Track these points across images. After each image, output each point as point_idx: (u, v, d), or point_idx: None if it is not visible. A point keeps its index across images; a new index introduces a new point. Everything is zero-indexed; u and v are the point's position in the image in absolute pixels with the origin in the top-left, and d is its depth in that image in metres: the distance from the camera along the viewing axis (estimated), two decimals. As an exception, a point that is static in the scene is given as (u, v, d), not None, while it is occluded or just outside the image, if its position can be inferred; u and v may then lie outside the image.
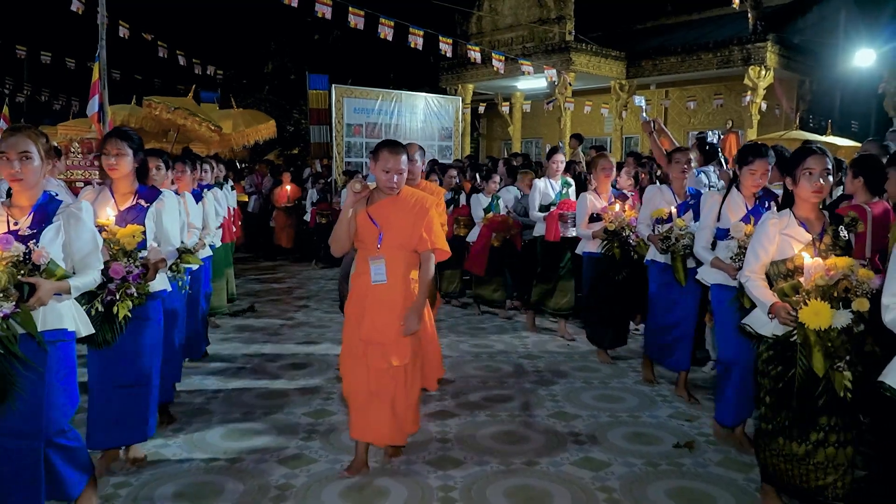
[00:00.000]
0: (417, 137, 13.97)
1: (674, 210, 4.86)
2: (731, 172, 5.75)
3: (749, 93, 15.66)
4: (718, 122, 17.47)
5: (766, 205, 4.01)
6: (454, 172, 8.76)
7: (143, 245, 3.52)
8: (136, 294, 3.37)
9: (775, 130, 15.51)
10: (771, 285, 3.19)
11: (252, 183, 13.36)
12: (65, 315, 2.88)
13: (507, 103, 19.72)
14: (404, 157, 3.47)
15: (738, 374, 3.94)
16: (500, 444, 4.14)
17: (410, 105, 14.48)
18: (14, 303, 2.59)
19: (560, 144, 11.16)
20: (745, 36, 15.77)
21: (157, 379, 3.75)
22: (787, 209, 3.28)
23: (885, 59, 14.88)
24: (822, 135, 13.17)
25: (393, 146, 3.49)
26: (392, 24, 12.98)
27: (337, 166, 13.48)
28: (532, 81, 17.69)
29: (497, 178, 7.93)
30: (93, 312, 3.26)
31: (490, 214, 7.47)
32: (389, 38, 12.96)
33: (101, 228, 3.36)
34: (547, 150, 9.08)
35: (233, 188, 8.67)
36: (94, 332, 3.07)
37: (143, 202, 3.65)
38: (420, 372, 3.74)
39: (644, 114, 6.25)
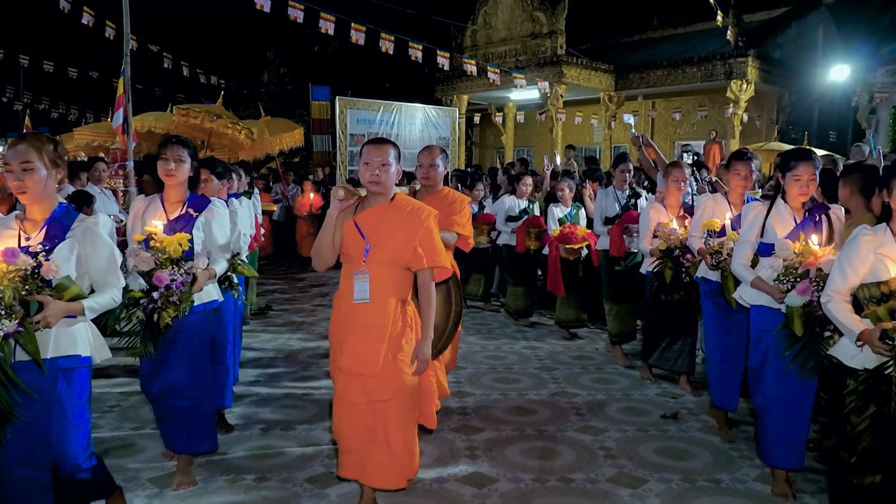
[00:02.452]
0: (416, 146, 14.68)
1: (728, 222, 4.51)
2: (711, 182, 6.45)
3: (731, 105, 16.50)
4: (702, 132, 18.29)
5: (818, 217, 3.62)
6: (529, 181, 7.98)
7: (189, 254, 3.45)
8: (178, 302, 3.31)
9: (757, 141, 16.33)
10: (857, 310, 2.88)
11: (278, 191, 13.56)
12: (79, 339, 2.74)
13: (501, 113, 20.47)
14: (392, 151, 3.07)
15: (777, 412, 3.58)
16: (512, 416, 4.82)
17: (410, 116, 15.21)
18: (17, 322, 2.45)
19: (556, 153, 11.85)
20: (727, 51, 16.60)
21: (206, 392, 3.70)
22: (884, 224, 2.93)
23: (858, 74, 15.72)
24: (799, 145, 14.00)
25: (376, 140, 3.14)
26: (392, 38, 13.62)
27: (340, 174, 14.18)
28: (525, 93, 18.44)
29: (572, 186, 7.27)
30: (133, 320, 3.29)
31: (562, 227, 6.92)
32: (390, 51, 13.59)
33: (148, 237, 3.39)
34: (545, 159, 9.75)
35: (249, 192, 9.09)
36: (110, 356, 2.92)
37: (191, 211, 3.59)
38: (416, 408, 3.26)
39: (633, 130, 6.94)
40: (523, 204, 7.74)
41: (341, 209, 3.08)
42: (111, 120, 9.94)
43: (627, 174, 6.28)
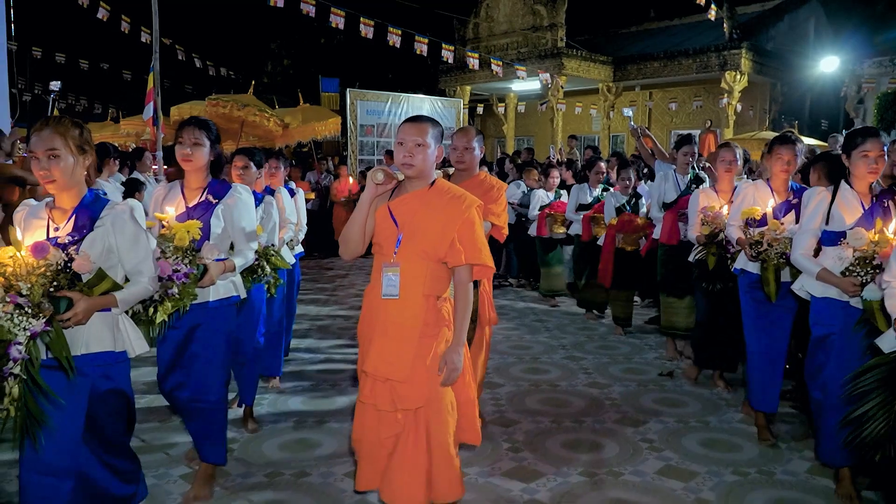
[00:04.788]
0: (423, 137, 15.35)
1: (769, 210, 4.17)
2: (704, 168, 7.06)
3: (725, 95, 17.19)
4: (698, 122, 18.94)
5: (886, 203, 3.37)
6: (602, 167, 7.63)
7: (200, 244, 3.19)
8: (177, 294, 2.99)
9: (750, 130, 17.03)
10: None
11: (312, 179, 13.53)
12: (113, 334, 2.62)
13: (502, 104, 21.12)
14: (430, 130, 2.72)
15: (836, 408, 3.32)
16: (527, 374, 5.52)
17: (417, 107, 15.85)
18: (45, 320, 2.33)
19: (560, 143, 12.47)
20: (721, 43, 17.26)
21: (222, 397, 3.45)
22: None
23: (847, 65, 16.38)
24: (790, 135, 14.68)
25: (413, 118, 2.80)
26: (399, 32, 14.23)
27: (351, 163, 14.84)
28: (526, 84, 19.08)
29: (633, 174, 6.89)
30: (129, 313, 2.89)
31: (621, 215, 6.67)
32: (397, 45, 14.20)
33: (160, 224, 3.20)
34: (550, 149, 10.41)
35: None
36: (147, 349, 2.77)
37: (210, 198, 3.33)
38: (452, 421, 2.82)
39: (632, 122, 7.56)
40: (596, 192, 7.41)
41: (377, 194, 2.78)
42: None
43: (691, 157, 5.78)
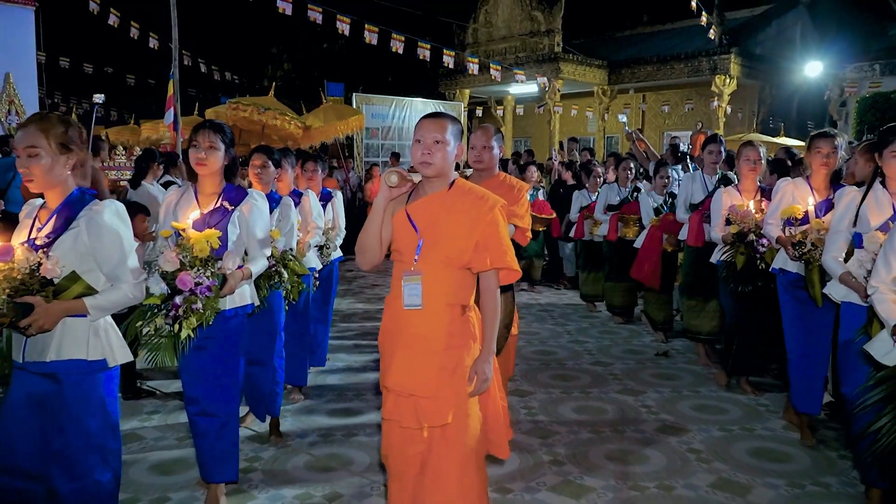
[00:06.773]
0: (425, 139, 15.98)
1: (811, 209, 4.06)
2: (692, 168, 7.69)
3: (716, 98, 17.90)
4: (689, 123, 19.60)
5: None
6: (630, 165, 7.50)
7: (220, 252, 3.09)
8: (202, 309, 2.94)
9: (739, 132, 17.72)
10: None
11: (340, 179, 13.57)
12: (88, 341, 2.50)
13: (501, 107, 21.78)
14: (450, 127, 2.55)
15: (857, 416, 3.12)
16: (537, 355, 6.15)
17: (420, 110, 16.48)
18: None
19: (563, 144, 13.08)
20: (712, 48, 17.96)
21: (233, 410, 3.38)
22: None
23: (830, 70, 17.08)
24: (776, 136, 15.39)
25: (431, 114, 2.63)
26: (403, 38, 14.82)
27: (357, 165, 15.46)
28: (523, 87, 19.74)
29: (669, 173, 6.75)
30: (152, 329, 2.93)
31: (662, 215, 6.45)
32: (400, 51, 14.79)
33: (177, 233, 3.10)
34: (552, 150, 11.00)
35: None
36: (132, 359, 2.66)
37: (227, 204, 3.23)
38: (481, 435, 2.67)
39: (626, 127, 8.16)
40: (624, 192, 7.36)
41: (392, 198, 2.61)
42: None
43: (718, 156, 5.62)
